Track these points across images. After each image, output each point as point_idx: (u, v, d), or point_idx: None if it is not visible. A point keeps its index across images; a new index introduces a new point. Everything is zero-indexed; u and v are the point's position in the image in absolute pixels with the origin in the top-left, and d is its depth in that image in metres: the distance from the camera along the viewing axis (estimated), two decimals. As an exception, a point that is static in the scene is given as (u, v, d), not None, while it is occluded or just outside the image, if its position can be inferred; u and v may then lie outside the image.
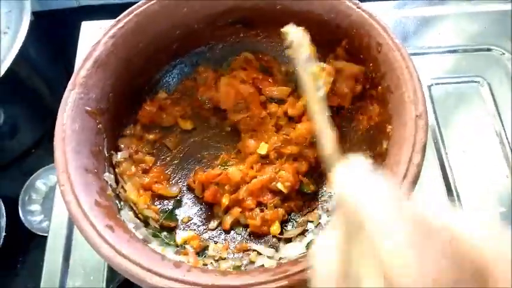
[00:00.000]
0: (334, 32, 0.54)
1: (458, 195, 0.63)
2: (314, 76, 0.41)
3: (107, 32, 0.50)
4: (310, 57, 0.41)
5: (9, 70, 0.80)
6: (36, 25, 0.87)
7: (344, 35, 0.53)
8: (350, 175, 0.25)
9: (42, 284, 0.58)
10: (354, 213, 0.23)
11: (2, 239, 0.83)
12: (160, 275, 0.37)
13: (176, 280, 0.37)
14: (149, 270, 0.37)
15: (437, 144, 0.67)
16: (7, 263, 0.86)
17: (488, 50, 0.74)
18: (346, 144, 0.56)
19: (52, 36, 0.99)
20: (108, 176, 0.49)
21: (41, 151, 0.99)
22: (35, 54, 0.94)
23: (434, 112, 0.69)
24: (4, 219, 0.86)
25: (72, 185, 0.42)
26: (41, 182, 0.94)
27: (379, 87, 0.50)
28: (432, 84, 0.71)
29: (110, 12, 0.60)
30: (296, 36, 0.43)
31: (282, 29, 0.43)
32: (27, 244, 0.88)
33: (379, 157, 0.50)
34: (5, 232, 0.84)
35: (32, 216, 0.92)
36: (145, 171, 0.55)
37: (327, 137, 0.35)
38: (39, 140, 0.99)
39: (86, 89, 0.48)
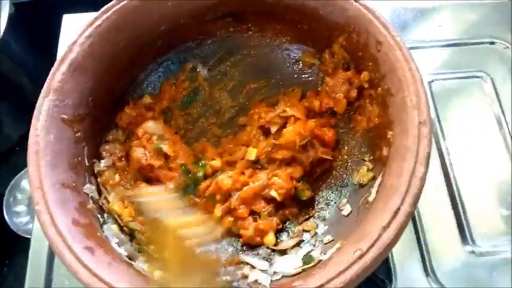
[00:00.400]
0: (330, 28, 0.50)
1: (460, 196, 0.60)
2: None
3: (83, 31, 0.46)
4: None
5: (-11, 65, 0.76)
6: (17, 17, 0.82)
7: (341, 31, 0.49)
8: None
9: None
10: None
11: (-14, 243, 0.80)
12: (143, 303, 0.34)
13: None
14: (132, 298, 0.34)
15: (439, 143, 0.64)
16: (-7, 267, 0.83)
17: (491, 43, 0.70)
18: (344, 147, 0.53)
19: (34, 27, 0.94)
20: (89, 188, 0.46)
21: (26, 149, 0.95)
22: (16, 47, 0.89)
23: (435, 109, 0.66)
24: (-12, 222, 0.83)
25: (47, 202, 0.38)
26: (26, 181, 0.90)
27: (379, 88, 0.46)
28: (432, 80, 0.68)
29: (93, 2, 0.56)
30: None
31: None
32: (14, 247, 0.85)
33: (379, 162, 0.47)
34: (-10, 235, 0.81)
35: (18, 217, 0.88)
36: None
37: None
38: (23, 137, 0.95)
39: (62, 95, 0.44)
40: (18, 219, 0.87)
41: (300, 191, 0.52)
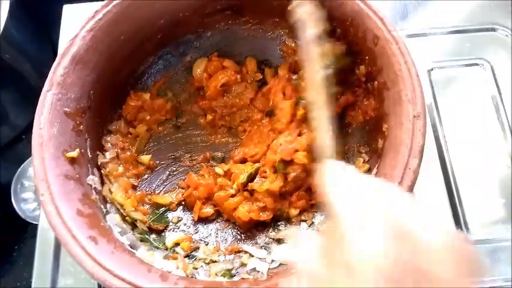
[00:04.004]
0: (327, 21, 0.51)
1: (455, 183, 0.61)
2: (319, 55, 0.43)
3: (84, 25, 0.47)
4: (316, 35, 0.43)
5: (-8, 53, 0.77)
6: (19, 5, 0.82)
7: (338, 25, 0.50)
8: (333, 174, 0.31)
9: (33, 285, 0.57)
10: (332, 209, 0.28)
11: (-4, 229, 0.82)
12: (145, 291, 0.36)
13: (162, 296, 0.36)
14: (134, 286, 0.36)
15: (436, 131, 0.64)
16: (3, 253, 0.85)
17: (493, 30, 0.70)
18: (342, 137, 0.54)
19: (35, 15, 0.94)
20: (92, 179, 0.47)
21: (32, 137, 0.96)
22: (18, 35, 0.90)
23: (434, 98, 0.66)
24: (-3, 208, 0.85)
25: (52, 194, 0.40)
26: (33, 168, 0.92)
27: (375, 81, 0.47)
28: (432, 68, 0.68)
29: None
30: (303, 12, 0.45)
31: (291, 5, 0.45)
32: (22, 233, 0.87)
33: (375, 154, 0.48)
34: (-1, 221, 0.83)
35: (25, 204, 0.90)
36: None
37: (325, 129, 0.39)
38: (29, 125, 0.96)
39: (64, 89, 0.45)
40: (26, 206, 0.89)
41: None
